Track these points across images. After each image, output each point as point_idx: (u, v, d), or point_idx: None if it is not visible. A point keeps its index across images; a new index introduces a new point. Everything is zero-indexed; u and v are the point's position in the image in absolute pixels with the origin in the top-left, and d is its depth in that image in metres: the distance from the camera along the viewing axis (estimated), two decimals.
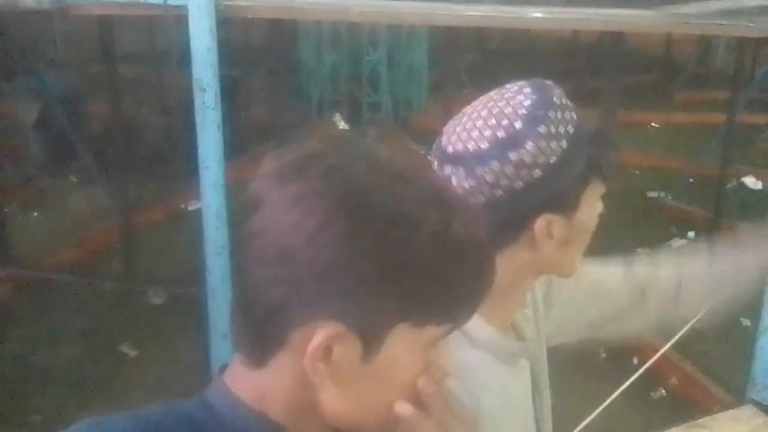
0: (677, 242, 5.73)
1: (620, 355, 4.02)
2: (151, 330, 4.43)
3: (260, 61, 8.71)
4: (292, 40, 8.98)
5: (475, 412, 1.10)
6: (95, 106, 6.84)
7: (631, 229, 5.87)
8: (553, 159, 1.04)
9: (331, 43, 8.70)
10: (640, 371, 3.01)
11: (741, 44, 5.84)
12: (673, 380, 3.77)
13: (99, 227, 5.67)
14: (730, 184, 6.29)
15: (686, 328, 3.38)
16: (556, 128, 1.05)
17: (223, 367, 0.83)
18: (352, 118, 8.65)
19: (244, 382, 0.79)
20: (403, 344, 0.75)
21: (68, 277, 5.02)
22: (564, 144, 1.05)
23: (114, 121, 5.25)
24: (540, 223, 1.07)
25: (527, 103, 1.05)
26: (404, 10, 4.15)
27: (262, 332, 0.75)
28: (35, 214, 6.17)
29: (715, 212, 5.48)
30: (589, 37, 9.54)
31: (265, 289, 0.72)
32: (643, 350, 3.80)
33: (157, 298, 4.82)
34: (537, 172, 1.03)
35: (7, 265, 4.97)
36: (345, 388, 0.76)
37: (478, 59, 9.96)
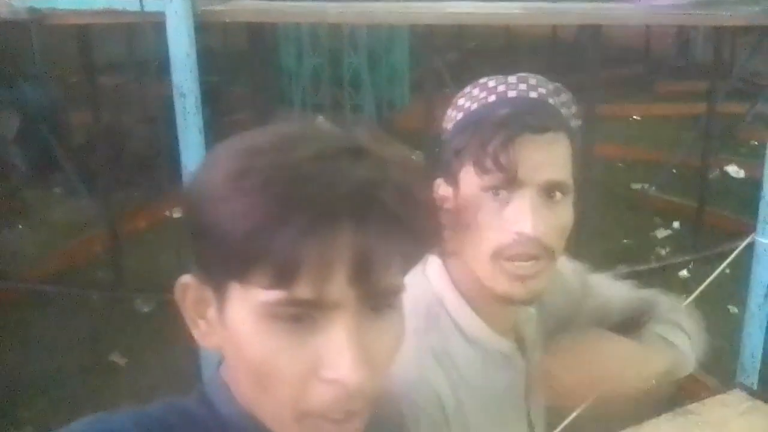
0: (662, 233, 5.77)
1: None
2: (141, 338, 4.40)
3: (241, 66, 8.69)
4: (272, 45, 8.96)
5: (454, 405, 1.12)
6: (76, 116, 6.81)
7: (616, 221, 5.91)
8: (449, 125, 1.15)
9: (311, 46, 8.69)
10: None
11: (719, 34, 5.88)
12: None
13: (84, 237, 5.64)
14: (713, 174, 6.33)
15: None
16: (465, 101, 1.14)
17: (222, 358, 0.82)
18: (335, 120, 8.62)
19: (231, 378, 0.80)
20: (239, 306, 0.69)
21: (55, 288, 4.99)
22: (459, 116, 1.14)
23: (96, 131, 5.23)
24: (437, 184, 1.16)
25: None
26: (383, 9, 4.16)
27: None
28: (20, 227, 6.13)
29: (699, 202, 5.51)
30: (568, 33, 9.58)
31: None
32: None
33: (145, 306, 4.79)
34: (443, 135, 1.16)
35: None
36: (232, 359, 0.75)
37: (458, 58, 9.98)
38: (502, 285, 1.10)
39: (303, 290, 0.65)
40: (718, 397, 2.35)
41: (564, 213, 1.10)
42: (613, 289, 1.49)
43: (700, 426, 2.12)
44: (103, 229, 5.19)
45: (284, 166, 0.66)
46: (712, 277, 2.74)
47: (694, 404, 2.23)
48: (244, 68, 8.74)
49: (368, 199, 0.66)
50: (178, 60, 2.75)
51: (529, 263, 1.07)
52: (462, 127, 1.12)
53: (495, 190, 1.07)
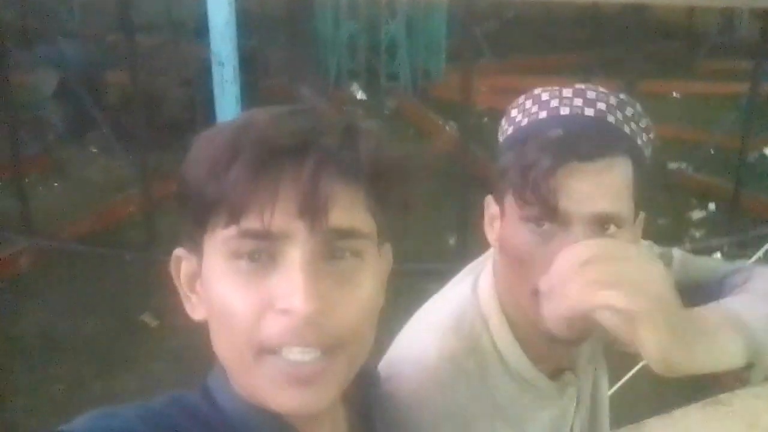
0: (697, 214, 5.69)
1: None
2: (172, 300, 4.44)
3: (278, 31, 8.68)
4: (309, 11, 8.93)
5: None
6: (113, 76, 6.85)
7: (650, 201, 5.82)
8: (501, 138, 1.07)
9: (348, 12, 8.63)
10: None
11: (766, 13, 5.74)
12: None
13: (119, 198, 5.70)
14: (752, 156, 6.22)
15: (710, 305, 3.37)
16: (517, 114, 1.05)
17: None
18: (370, 87, 8.61)
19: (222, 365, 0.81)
20: (210, 256, 0.73)
21: (89, 247, 5.05)
22: (510, 130, 1.05)
23: (132, 91, 5.24)
24: (488, 200, 1.08)
25: None
26: None
27: None
28: (55, 184, 6.20)
29: (736, 184, 5.41)
30: (610, 6, 9.41)
31: None
32: None
33: None
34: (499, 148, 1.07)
35: (27, 236, 5.00)
36: (210, 318, 0.76)
37: (497, 28, 9.87)
38: (545, 323, 0.96)
39: (253, 222, 0.69)
40: (751, 389, 2.33)
41: None
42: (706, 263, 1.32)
43: (730, 417, 2.10)
44: (138, 190, 5.23)
45: (245, 123, 0.72)
46: (750, 263, 2.69)
47: (725, 394, 2.21)
48: (281, 34, 8.75)
49: (309, 140, 0.70)
50: (217, 28, 2.74)
51: None
52: (510, 144, 1.03)
53: (537, 222, 0.97)
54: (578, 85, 1.01)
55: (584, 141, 0.95)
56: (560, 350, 1.11)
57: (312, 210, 0.69)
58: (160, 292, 4.98)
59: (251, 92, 6.88)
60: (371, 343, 0.78)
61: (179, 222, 0.77)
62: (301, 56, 8.43)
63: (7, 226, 5.18)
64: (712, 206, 5.82)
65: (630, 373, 2.38)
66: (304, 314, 0.68)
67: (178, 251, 0.79)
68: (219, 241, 0.71)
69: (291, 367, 0.70)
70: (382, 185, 0.75)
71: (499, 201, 1.04)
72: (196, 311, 0.79)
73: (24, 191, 5.16)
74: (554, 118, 0.98)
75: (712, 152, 6.41)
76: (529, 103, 1.03)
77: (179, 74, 7.17)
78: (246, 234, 0.69)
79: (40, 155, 6.47)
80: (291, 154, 0.70)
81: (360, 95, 8.46)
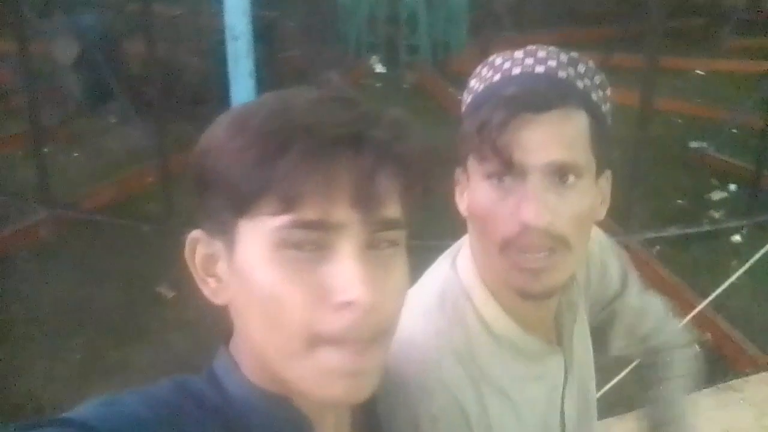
0: (717, 194, 5.63)
1: None
2: (189, 271, 4.46)
3: (297, 3, 8.62)
4: None
5: (478, 412, 1.08)
6: (132, 46, 6.84)
7: (670, 180, 5.78)
8: (462, 109, 1.09)
9: None
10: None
11: None
12: (708, 337, 3.74)
13: (137, 168, 5.72)
14: None
15: (724, 285, 3.35)
16: (475, 82, 1.08)
17: (228, 335, 0.84)
18: (390, 60, 8.56)
19: (239, 350, 0.81)
20: (248, 244, 0.73)
21: (107, 218, 5.08)
22: (468, 99, 1.08)
23: (151, 61, 5.24)
24: (457, 173, 1.11)
25: None
26: None
27: None
28: (75, 154, 6.23)
29: (757, 165, 5.34)
30: None
31: None
32: (679, 305, 3.77)
33: None
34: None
35: (47, 206, 5.04)
36: (240, 307, 0.76)
37: (518, 1, 9.76)
38: (515, 279, 1.02)
39: (309, 212, 0.69)
40: (763, 374, 2.31)
41: (579, 198, 1.00)
42: (648, 308, 1.44)
43: (741, 404, 2.09)
44: (156, 161, 5.24)
45: (284, 107, 0.72)
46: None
47: (737, 380, 2.20)
48: (300, 4, 8.70)
49: (363, 133, 0.71)
50: (231, 2, 2.72)
51: (540, 255, 0.99)
52: (469, 111, 1.05)
53: (498, 177, 0.99)
54: (529, 47, 1.04)
55: (535, 94, 0.98)
56: (539, 312, 1.13)
57: (367, 201, 0.70)
58: (177, 263, 4.97)
59: (269, 64, 6.87)
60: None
61: (197, 202, 0.77)
62: (321, 28, 8.38)
63: (27, 195, 5.22)
64: (732, 187, 5.75)
65: (634, 363, 2.37)
66: (365, 306, 0.69)
67: (196, 233, 0.78)
68: (265, 228, 0.71)
69: (345, 358, 0.71)
70: (419, 176, 0.76)
71: (464, 168, 1.07)
72: (217, 295, 0.78)
73: (43, 161, 5.18)
74: (507, 79, 1.02)
75: (735, 132, 6.33)
76: (485, 71, 1.06)
77: (198, 45, 7.16)
78: (300, 224, 0.70)
79: (60, 125, 6.49)
80: (346, 145, 0.70)
81: (379, 68, 8.41)
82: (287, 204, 0.69)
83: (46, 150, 5.56)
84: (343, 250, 0.71)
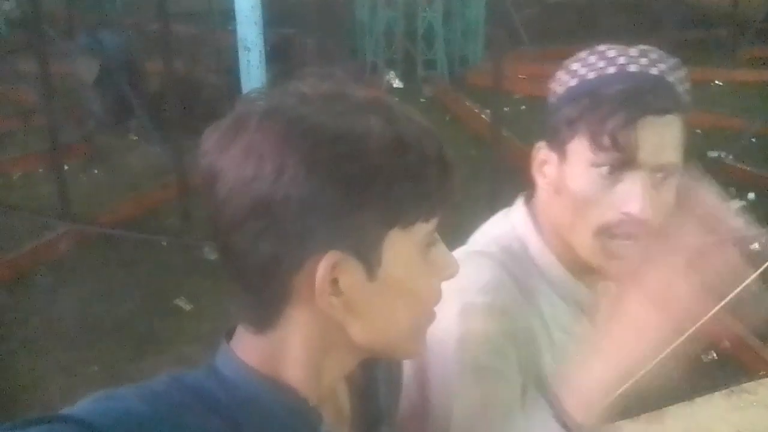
0: (736, 203, 5.59)
1: None
2: (206, 284, 4.50)
3: (314, 18, 8.69)
4: None
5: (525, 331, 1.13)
6: (152, 64, 6.93)
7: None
8: (560, 89, 1.14)
9: (386, 0, 8.61)
10: (687, 333, 2.97)
11: None
12: (725, 343, 3.70)
13: (156, 184, 5.78)
14: None
15: (739, 288, 3.31)
16: (581, 68, 1.12)
17: (229, 333, 0.84)
18: (407, 75, 8.59)
19: (251, 349, 0.80)
20: (400, 251, 0.77)
21: (126, 232, 5.14)
22: (573, 82, 1.12)
23: (170, 79, 5.31)
24: (538, 147, 1.17)
25: None
26: None
27: (263, 293, 0.77)
28: (95, 171, 6.31)
29: None
30: None
31: (252, 249, 0.73)
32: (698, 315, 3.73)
33: (212, 254, 4.89)
34: (552, 98, 1.16)
35: (67, 221, 5.10)
36: (365, 314, 0.78)
37: (536, 14, 9.77)
38: (599, 260, 1.10)
39: (442, 210, 0.79)
40: None
41: (669, 192, 1.08)
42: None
43: (755, 407, 2.07)
44: (174, 177, 5.30)
45: (417, 130, 0.77)
46: None
47: (749, 383, 2.19)
48: (317, 20, 8.76)
49: (445, 152, 0.79)
50: (242, 13, 2.75)
51: (631, 242, 1.07)
52: (576, 94, 1.10)
53: (610, 168, 1.06)
54: (642, 46, 1.10)
55: (654, 97, 1.04)
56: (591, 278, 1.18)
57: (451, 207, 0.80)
58: (195, 276, 5.08)
59: (286, 80, 6.93)
60: None
61: (338, 223, 0.74)
62: (338, 44, 8.44)
63: (48, 212, 5.29)
64: (751, 195, 5.70)
65: (651, 365, 2.36)
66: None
67: (336, 256, 0.74)
68: (418, 233, 0.78)
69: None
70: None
71: (558, 147, 1.12)
72: (334, 311, 0.76)
73: (63, 178, 5.25)
74: (623, 75, 1.08)
75: (753, 141, 6.28)
76: (593, 59, 1.11)
77: (217, 62, 7.23)
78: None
79: (82, 143, 6.57)
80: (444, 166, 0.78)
81: (396, 83, 8.44)
82: (433, 209, 0.78)
83: (66, 167, 5.64)
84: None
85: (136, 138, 6.77)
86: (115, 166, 6.40)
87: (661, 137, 1.05)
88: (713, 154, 6.36)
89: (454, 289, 1.01)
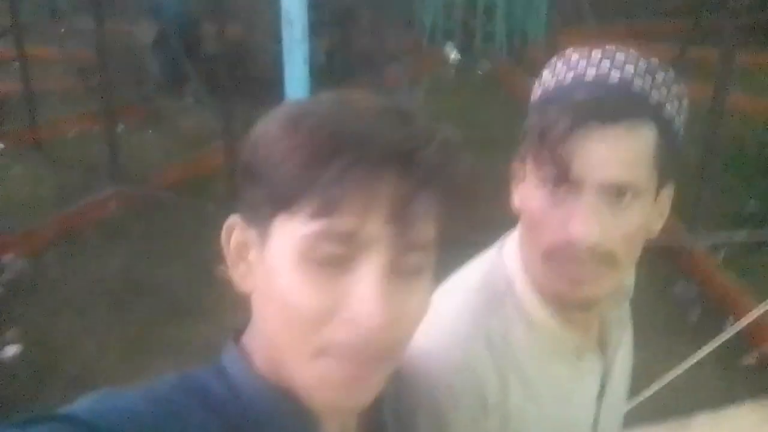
0: None
1: (715, 315, 3.87)
2: None
3: None
4: None
5: (497, 396, 1.06)
6: (209, 28, 6.95)
7: (744, 182, 5.57)
8: (532, 100, 1.06)
9: None
10: (726, 334, 2.89)
11: None
12: (767, 347, 3.59)
13: (207, 149, 5.83)
14: None
15: None
16: (548, 75, 1.04)
17: (238, 332, 0.85)
18: (465, 48, 8.47)
19: (257, 348, 0.81)
20: (281, 240, 0.74)
21: (173, 196, 5.19)
22: (539, 92, 1.04)
23: (224, 43, 5.31)
24: (515, 164, 1.09)
25: None
26: None
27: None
28: (150, 132, 6.38)
29: None
30: None
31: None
32: (739, 311, 3.64)
33: None
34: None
35: (117, 182, 5.19)
36: (261, 299, 0.77)
37: None
38: (555, 285, 1.01)
39: (343, 221, 0.69)
40: None
41: (634, 218, 0.96)
42: None
43: None
44: (225, 143, 5.33)
45: (340, 112, 0.72)
46: None
47: None
48: None
49: (412, 153, 0.70)
50: None
51: (584, 267, 0.97)
52: (536, 107, 1.02)
53: (553, 185, 0.96)
54: (609, 47, 0.99)
55: (606, 104, 0.93)
56: (582, 315, 1.09)
57: (403, 221, 0.70)
58: None
59: (344, 51, 6.90)
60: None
61: (240, 189, 0.78)
62: (397, 13, 8.35)
63: (99, 171, 5.38)
64: None
65: (685, 366, 2.30)
66: (374, 326, 0.70)
67: (234, 220, 0.80)
68: (297, 231, 0.71)
69: (345, 371, 0.72)
70: (456, 197, 0.76)
71: (522, 164, 1.04)
72: (244, 281, 0.80)
73: (114, 139, 5.32)
74: (579, 82, 0.97)
75: None
76: (560, 65, 1.01)
77: (273, 29, 7.21)
78: (332, 234, 0.70)
79: (137, 104, 6.65)
80: (394, 163, 0.70)
81: (454, 55, 8.33)
82: (324, 209, 0.69)
83: (121, 127, 5.71)
84: (367, 267, 0.71)
85: (192, 101, 6.82)
86: (170, 128, 6.46)
87: (608, 150, 0.92)
88: None
89: (424, 342, 0.97)
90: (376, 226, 0.70)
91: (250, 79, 6.14)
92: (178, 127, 6.45)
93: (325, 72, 6.27)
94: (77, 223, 4.86)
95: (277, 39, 6.80)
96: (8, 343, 3.76)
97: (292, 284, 0.72)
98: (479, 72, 7.96)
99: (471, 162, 0.76)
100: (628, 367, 1.26)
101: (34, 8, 7.31)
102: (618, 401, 1.25)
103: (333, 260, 0.71)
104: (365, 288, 0.70)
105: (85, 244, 4.71)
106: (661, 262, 4.29)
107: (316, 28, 5.98)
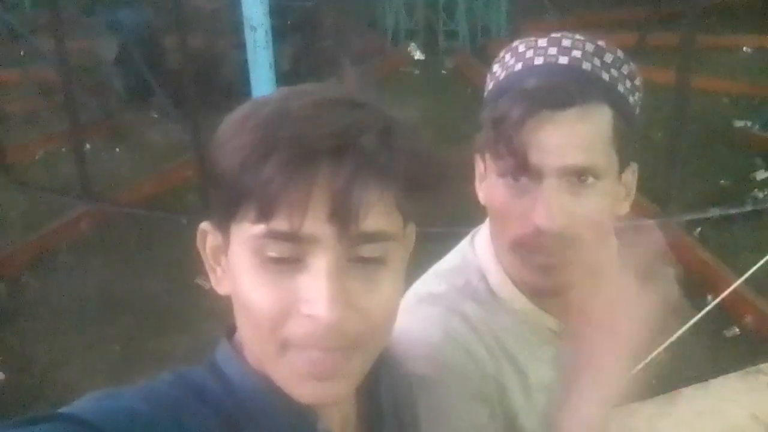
0: (762, 174, 5.48)
1: (694, 292, 3.91)
2: None
3: None
4: None
5: (492, 365, 1.07)
6: (173, 41, 6.91)
7: (713, 160, 5.65)
8: (485, 95, 1.07)
9: None
10: (709, 307, 2.93)
11: None
12: (748, 318, 3.65)
13: (177, 162, 5.79)
14: None
15: (761, 262, 3.28)
16: (497, 69, 1.05)
17: (231, 329, 0.84)
18: (428, 46, 8.49)
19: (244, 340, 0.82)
20: (237, 245, 0.74)
21: (146, 211, 5.16)
22: (490, 85, 1.05)
23: (187, 56, 5.29)
24: (477, 159, 1.09)
25: None
26: None
27: None
28: (117, 149, 6.33)
29: None
30: None
31: None
32: (718, 286, 3.69)
33: None
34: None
35: (87, 200, 5.14)
36: (234, 298, 0.77)
37: None
38: (524, 275, 1.02)
39: (281, 223, 0.69)
40: None
41: (597, 199, 0.96)
42: None
43: None
44: (195, 155, 5.30)
45: (279, 111, 0.71)
46: None
47: (765, 364, 2.15)
48: None
49: (347, 141, 0.69)
50: None
51: (553, 255, 0.97)
52: (489, 99, 1.02)
53: (513, 176, 0.96)
54: (554, 35, 1.00)
55: (556, 89, 0.93)
56: (557, 302, 1.09)
57: (343, 216, 0.69)
58: None
59: (306, 55, 6.89)
60: (390, 333, 0.79)
61: (211, 196, 0.77)
62: (358, 15, 8.37)
63: (69, 191, 5.33)
64: None
65: (667, 342, 2.32)
66: (327, 322, 0.69)
67: (205, 225, 0.80)
68: (246, 235, 0.72)
69: (312, 363, 0.72)
70: (415, 183, 0.74)
71: (482, 158, 1.04)
72: (220, 285, 0.81)
73: (83, 157, 5.28)
74: (528, 70, 0.97)
75: None
76: (508, 57, 1.02)
77: (237, 38, 7.18)
78: (274, 235, 0.70)
79: (103, 121, 6.59)
80: (327, 156, 0.69)
81: (418, 55, 8.35)
82: (263, 214, 0.69)
83: (88, 146, 5.66)
84: (316, 264, 0.70)
85: (157, 116, 6.77)
86: (137, 144, 6.41)
87: (563, 134, 0.93)
88: (739, 123, 6.24)
89: (402, 350, 0.98)
90: (318, 223, 0.69)
91: (216, 88, 6.12)
92: (145, 142, 6.41)
93: (292, 77, 6.26)
94: (51, 244, 4.81)
95: (241, 46, 6.82)
96: None
97: (250, 285, 0.72)
98: (443, 71, 7.99)
99: (429, 148, 0.76)
100: None
101: None
102: None
103: (282, 259, 0.71)
104: (316, 285, 0.70)
105: (60, 265, 4.67)
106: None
107: (279, 33, 6.00)
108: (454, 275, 1.12)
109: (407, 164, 0.72)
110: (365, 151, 0.69)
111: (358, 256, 0.72)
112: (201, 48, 6.68)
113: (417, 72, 8.10)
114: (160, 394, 0.75)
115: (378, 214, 0.71)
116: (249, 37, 2.72)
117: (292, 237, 0.69)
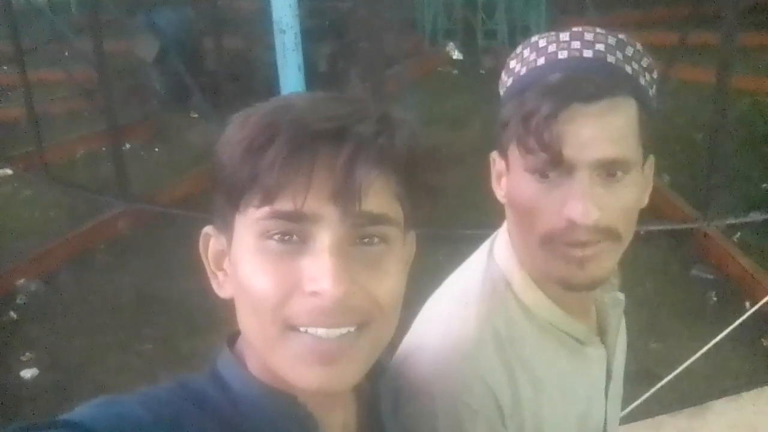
0: None
1: (732, 299, 3.83)
2: None
3: None
4: None
5: (511, 400, 1.04)
6: (210, 42, 6.97)
7: (755, 163, 5.53)
8: (502, 91, 1.07)
9: None
10: (747, 314, 2.86)
11: None
12: None
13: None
14: None
15: None
16: (516, 64, 1.04)
17: (232, 337, 0.85)
18: (467, 46, 8.46)
19: (251, 352, 0.82)
20: (241, 235, 0.76)
21: (183, 211, 5.21)
22: (509, 82, 1.04)
23: (223, 57, 5.33)
24: (493, 156, 1.09)
25: None
26: None
27: None
28: (156, 149, 6.41)
29: None
30: None
31: None
32: (757, 293, 3.61)
33: None
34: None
35: (126, 200, 5.20)
36: (236, 293, 0.79)
37: None
38: (558, 269, 0.99)
39: (286, 203, 0.71)
40: None
41: (627, 191, 0.96)
42: None
43: None
44: None
45: (281, 104, 0.75)
46: None
47: None
48: None
49: (347, 125, 0.72)
50: None
51: (587, 247, 0.96)
52: (510, 95, 1.01)
53: (542, 171, 0.95)
54: (575, 28, 0.99)
55: (585, 82, 0.93)
56: (582, 302, 1.09)
57: (345, 195, 0.71)
58: None
59: (342, 56, 6.89)
60: (395, 325, 0.80)
61: (214, 200, 0.79)
62: (397, 14, 8.35)
63: (107, 190, 5.40)
64: None
65: (702, 350, 2.28)
66: (332, 297, 0.70)
67: (208, 229, 0.82)
68: (251, 220, 0.73)
69: (316, 344, 0.72)
70: (413, 174, 0.77)
71: (504, 155, 1.03)
72: (222, 289, 0.82)
73: (121, 157, 5.34)
74: (553, 63, 0.97)
75: None
76: (527, 52, 1.01)
77: (270, 39, 7.20)
78: (278, 215, 0.72)
79: (142, 121, 6.67)
80: (327, 139, 0.71)
81: (456, 55, 8.32)
82: (267, 196, 0.71)
83: (127, 146, 5.73)
84: (319, 243, 0.72)
85: (196, 116, 6.84)
86: (176, 144, 6.48)
87: (595, 128, 0.92)
88: None
89: (433, 360, 0.99)
90: (320, 203, 0.71)
91: (252, 90, 6.16)
92: (184, 143, 6.47)
93: (329, 77, 6.28)
94: (88, 243, 4.88)
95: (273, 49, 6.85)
96: (25, 368, 3.76)
97: (255, 267, 0.73)
98: (482, 71, 7.94)
99: (426, 143, 0.78)
100: (625, 350, 1.25)
101: (36, 33, 7.34)
102: (619, 388, 1.24)
103: (286, 237, 0.73)
104: (320, 262, 0.71)
105: (96, 264, 4.73)
106: (677, 246, 4.25)
107: (317, 34, 6.02)
108: (481, 290, 1.09)
109: (404, 152, 0.75)
110: (364, 135, 0.72)
111: (362, 236, 0.74)
112: (238, 50, 6.73)
113: (455, 72, 8.06)
114: (161, 401, 0.76)
115: (378, 197, 0.74)
116: (278, 39, 2.73)
117: (296, 216, 0.71)
